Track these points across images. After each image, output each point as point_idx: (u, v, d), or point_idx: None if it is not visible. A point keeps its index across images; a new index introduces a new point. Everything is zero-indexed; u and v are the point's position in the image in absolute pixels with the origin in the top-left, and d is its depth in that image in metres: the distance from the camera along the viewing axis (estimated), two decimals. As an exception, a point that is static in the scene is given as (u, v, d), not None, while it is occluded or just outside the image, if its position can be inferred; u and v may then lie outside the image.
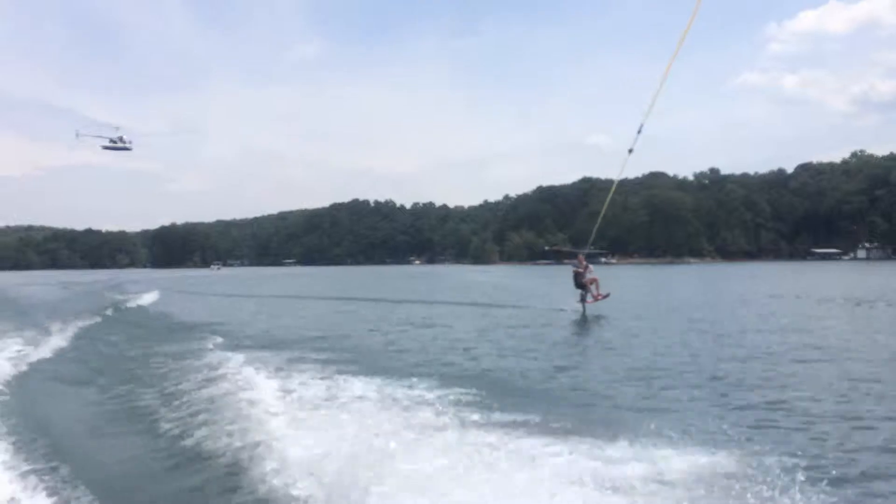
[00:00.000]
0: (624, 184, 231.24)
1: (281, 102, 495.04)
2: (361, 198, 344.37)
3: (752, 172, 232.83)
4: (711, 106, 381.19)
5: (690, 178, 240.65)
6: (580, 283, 27.92)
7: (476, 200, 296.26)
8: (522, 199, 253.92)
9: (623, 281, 63.03)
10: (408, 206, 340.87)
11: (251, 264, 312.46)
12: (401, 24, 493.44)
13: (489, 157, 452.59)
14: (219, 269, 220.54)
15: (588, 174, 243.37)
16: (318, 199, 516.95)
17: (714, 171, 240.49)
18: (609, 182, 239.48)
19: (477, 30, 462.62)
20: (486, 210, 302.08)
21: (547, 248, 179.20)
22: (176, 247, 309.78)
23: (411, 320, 27.92)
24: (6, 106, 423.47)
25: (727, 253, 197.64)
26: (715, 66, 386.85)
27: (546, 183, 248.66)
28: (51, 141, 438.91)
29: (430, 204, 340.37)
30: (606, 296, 28.44)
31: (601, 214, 30.76)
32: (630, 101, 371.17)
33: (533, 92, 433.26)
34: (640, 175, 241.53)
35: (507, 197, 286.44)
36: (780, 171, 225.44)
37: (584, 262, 28.06)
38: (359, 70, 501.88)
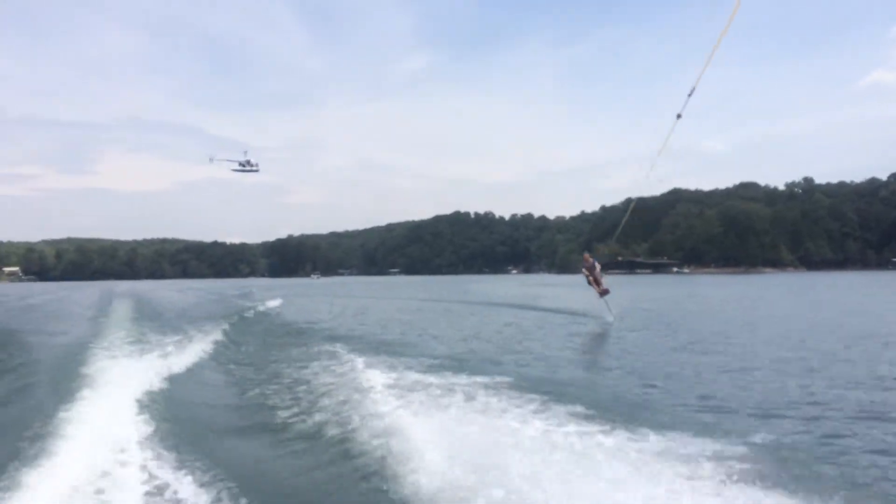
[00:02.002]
0: (713, 195, 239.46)
1: (390, 115, 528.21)
2: (463, 209, 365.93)
3: (848, 181, 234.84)
4: (830, 110, 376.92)
5: (782, 187, 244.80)
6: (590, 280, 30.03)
7: (582, 209, 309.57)
8: (611, 210, 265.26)
9: (701, 290, 70.85)
10: (507, 216, 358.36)
11: (359, 274, 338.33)
12: (506, 35, 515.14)
13: (595, 165, 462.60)
14: (318, 278, 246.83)
15: (697, 181, 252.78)
16: (423, 209, 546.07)
17: (808, 180, 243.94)
18: (699, 192, 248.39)
19: (582, 38, 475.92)
20: (583, 221, 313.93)
21: (620, 258, 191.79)
22: (290, 257, 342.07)
23: (497, 323, 30.52)
24: (144, 128, 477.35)
25: (811, 263, 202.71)
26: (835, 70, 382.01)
27: (675, 186, 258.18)
28: (183, 159, 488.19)
29: (529, 215, 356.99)
30: (606, 291, 30.01)
31: (619, 228, 42.57)
32: (741, 104, 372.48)
33: (640, 98, 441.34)
34: (730, 185, 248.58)
35: (603, 207, 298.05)
36: (873, 180, 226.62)
37: (591, 261, 30.27)
38: (464, 81, 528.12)
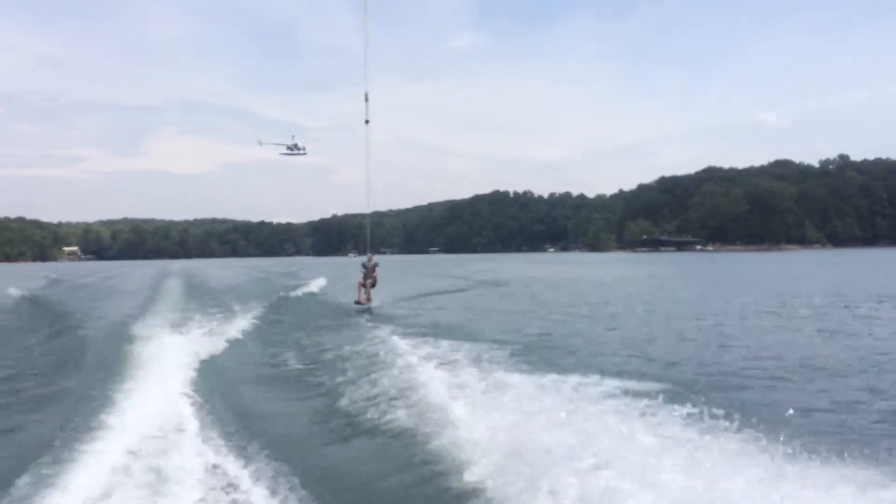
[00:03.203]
0: (745, 174, 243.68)
1: (435, 95, 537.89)
2: (503, 188, 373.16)
3: (884, 157, 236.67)
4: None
5: (816, 164, 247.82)
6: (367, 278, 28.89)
7: (620, 188, 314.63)
8: (645, 188, 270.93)
9: (715, 267, 75.37)
10: (545, 195, 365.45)
11: (400, 252, 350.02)
12: (553, 12, 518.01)
13: (641, 142, 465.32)
14: (354, 256, 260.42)
15: (745, 156, 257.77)
16: (464, 189, 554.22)
17: (843, 157, 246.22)
18: (732, 171, 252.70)
19: (631, 12, 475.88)
20: (620, 199, 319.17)
21: (645, 237, 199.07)
22: (333, 236, 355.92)
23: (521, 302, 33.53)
24: (196, 110, 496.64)
25: (838, 240, 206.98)
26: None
27: (710, 164, 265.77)
28: (233, 141, 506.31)
29: (568, 194, 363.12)
30: (368, 302, 28.47)
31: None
32: (798, 76, 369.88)
33: (690, 72, 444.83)
34: (765, 163, 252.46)
35: (640, 186, 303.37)
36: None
37: (372, 262, 29.34)
38: (511, 60, 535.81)
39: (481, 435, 8.70)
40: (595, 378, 12.45)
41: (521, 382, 11.91)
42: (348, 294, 33.93)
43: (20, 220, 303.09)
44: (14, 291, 44.29)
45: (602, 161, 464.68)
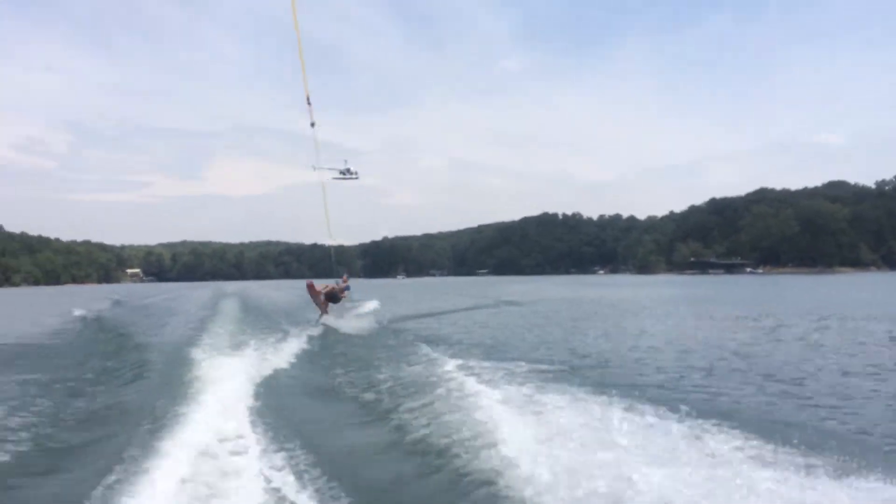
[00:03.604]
0: (797, 195, 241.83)
1: (486, 116, 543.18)
2: (552, 210, 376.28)
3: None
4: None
5: (872, 185, 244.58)
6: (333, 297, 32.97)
7: (671, 209, 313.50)
8: (694, 209, 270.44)
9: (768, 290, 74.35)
10: (595, 217, 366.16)
11: (449, 274, 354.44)
12: (604, 31, 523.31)
13: (695, 161, 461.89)
14: (403, 278, 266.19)
15: (798, 175, 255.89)
16: (514, 210, 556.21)
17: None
18: (784, 192, 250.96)
19: (683, 29, 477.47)
20: (671, 221, 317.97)
21: (693, 259, 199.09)
22: (383, 258, 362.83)
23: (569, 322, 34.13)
24: (252, 134, 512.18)
25: (894, 262, 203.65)
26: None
27: (762, 185, 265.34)
28: (287, 164, 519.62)
29: (618, 215, 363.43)
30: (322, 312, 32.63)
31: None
32: (855, 94, 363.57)
33: (744, 91, 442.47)
34: (819, 184, 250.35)
35: (690, 207, 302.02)
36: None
37: (346, 282, 33.66)
38: (561, 79, 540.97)
39: (532, 457, 8.92)
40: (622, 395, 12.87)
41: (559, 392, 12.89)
42: (399, 315, 37.62)
43: (86, 243, 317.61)
44: (79, 312, 45.93)
45: (653, 181, 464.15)
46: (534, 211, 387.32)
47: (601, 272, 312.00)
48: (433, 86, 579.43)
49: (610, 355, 21.34)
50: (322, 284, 33.38)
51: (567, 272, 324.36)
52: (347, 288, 33.39)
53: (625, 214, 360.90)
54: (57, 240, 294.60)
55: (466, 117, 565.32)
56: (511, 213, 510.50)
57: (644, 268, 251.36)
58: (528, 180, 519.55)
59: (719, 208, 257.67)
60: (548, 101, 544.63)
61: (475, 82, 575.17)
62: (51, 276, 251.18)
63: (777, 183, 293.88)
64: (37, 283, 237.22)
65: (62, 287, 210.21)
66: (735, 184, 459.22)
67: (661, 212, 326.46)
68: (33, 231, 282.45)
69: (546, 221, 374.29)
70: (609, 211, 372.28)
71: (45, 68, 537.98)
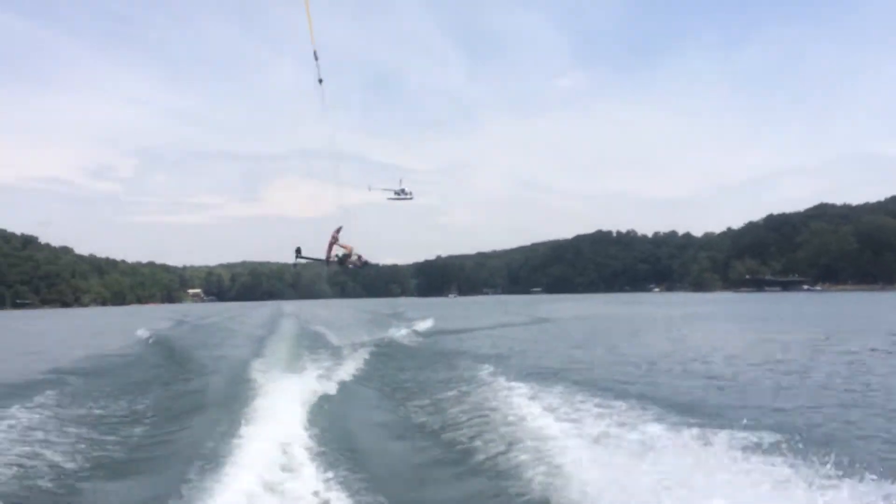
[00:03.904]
0: (859, 210, 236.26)
1: (544, 134, 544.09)
2: (606, 227, 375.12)
3: None
4: None
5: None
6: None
7: (728, 226, 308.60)
8: (752, 226, 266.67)
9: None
10: (650, 234, 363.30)
11: (502, 293, 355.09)
12: (664, 46, 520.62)
13: (759, 178, 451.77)
14: (454, 297, 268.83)
15: (863, 190, 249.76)
16: (568, 228, 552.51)
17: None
18: (846, 207, 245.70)
19: (748, 42, 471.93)
20: (728, 238, 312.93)
21: (748, 276, 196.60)
22: (436, 277, 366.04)
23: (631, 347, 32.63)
24: (312, 156, 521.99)
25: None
26: None
27: (823, 201, 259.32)
28: (345, 184, 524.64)
29: (673, 232, 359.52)
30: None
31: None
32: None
33: (807, 105, 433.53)
34: (881, 199, 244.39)
35: (747, 224, 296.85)
36: None
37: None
38: (621, 96, 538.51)
39: (591, 478, 8.97)
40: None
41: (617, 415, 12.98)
42: (454, 335, 39.28)
43: (150, 264, 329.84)
44: (143, 333, 47.25)
45: (712, 197, 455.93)
46: (588, 229, 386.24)
47: (656, 290, 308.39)
48: (490, 104, 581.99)
49: (657, 373, 22.02)
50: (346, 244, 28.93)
51: (622, 290, 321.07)
52: (366, 264, 29.40)
53: (681, 231, 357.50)
54: (123, 261, 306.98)
55: (522, 136, 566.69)
56: (565, 230, 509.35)
57: (699, 285, 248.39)
58: (583, 198, 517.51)
59: (777, 224, 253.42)
60: (605, 118, 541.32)
61: (532, 100, 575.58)
62: (118, 297, 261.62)
63: (838, 198, 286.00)
64: (104, 303, 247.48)
65: (128, 307, 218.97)
66: (795, 198, 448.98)
67: (718, 228, 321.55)
68: (101, 253, 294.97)
69: (600, 239, 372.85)
70: (665, 228, 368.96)
71: (122, 98, 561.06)
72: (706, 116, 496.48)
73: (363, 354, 27.41)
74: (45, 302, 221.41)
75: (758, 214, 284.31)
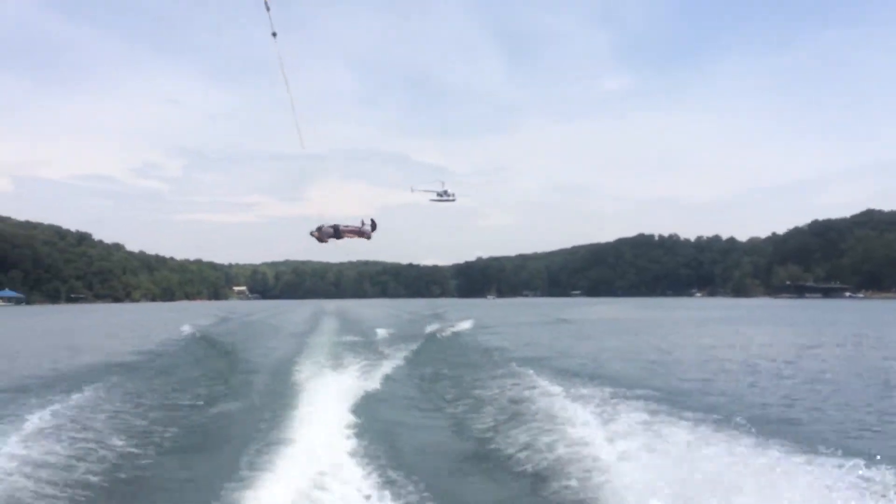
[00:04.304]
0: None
1: (585, 137, 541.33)
2: (647, 231, 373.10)
3: None
4: None
5: None
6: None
7: (773, 231, 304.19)
8: (796, 232, 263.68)
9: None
10: (692, 238, 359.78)
11: (542, 295, 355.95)
12: (707, 49, 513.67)
13: (805, 181, 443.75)
14: (493, 298, 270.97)
15: None
16: (610, 231, 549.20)
17: None
18: (894, 214, 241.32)
19: (791, 45, 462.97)
20: (772, 243, 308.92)
21: (788, 282, 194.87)
22: (476, 279, 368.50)
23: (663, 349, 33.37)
24: (356, 157, 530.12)
25: None
26: None
27: (870, 207, 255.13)
28: (387, 185, 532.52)
29: (717, 237, 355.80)
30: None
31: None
32: None
33: (855, 107, 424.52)
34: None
35: (792, 229, 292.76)
36: None
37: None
38: (664, 99, 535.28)
39: (634, 480, 8.98)
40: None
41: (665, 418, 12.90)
42: (494, 335, 40.52)
43: (198, 262, 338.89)
44: (187, 329, 48.32)
45: (756, 202, 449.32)
46: (629, 232, 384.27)
47: (698, 295, 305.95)
48: (531, 107, 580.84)
49: (701, 375, 22.53)
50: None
51: (663, 294, 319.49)
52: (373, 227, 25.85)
53: (724, 236, 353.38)
54: (172, 258, 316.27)
55: (563, 138, 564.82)
56: (606, 234, 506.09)
57: (740, 291, 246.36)
58: (625, 201, 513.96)
59: (822, 230, 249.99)
60: (648, 120, 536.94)
61: (574, 103, 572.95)
62: (167, 293, 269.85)
63: (886, 204, 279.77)
64: (154, 299, 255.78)
65: (176, 303, 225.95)
66: (842, 204, 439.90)
67: (763, 233, 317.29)
68: (150, 250, 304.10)
69: (642, 242, 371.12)
70: (708, 232, 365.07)
71: (166, 99, 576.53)
72: (752, 119, 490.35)
73: (404, 353, 27.95)
74: (98, 297, 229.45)
75: (803, 220, 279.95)
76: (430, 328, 48.18)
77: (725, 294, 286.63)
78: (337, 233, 25.34)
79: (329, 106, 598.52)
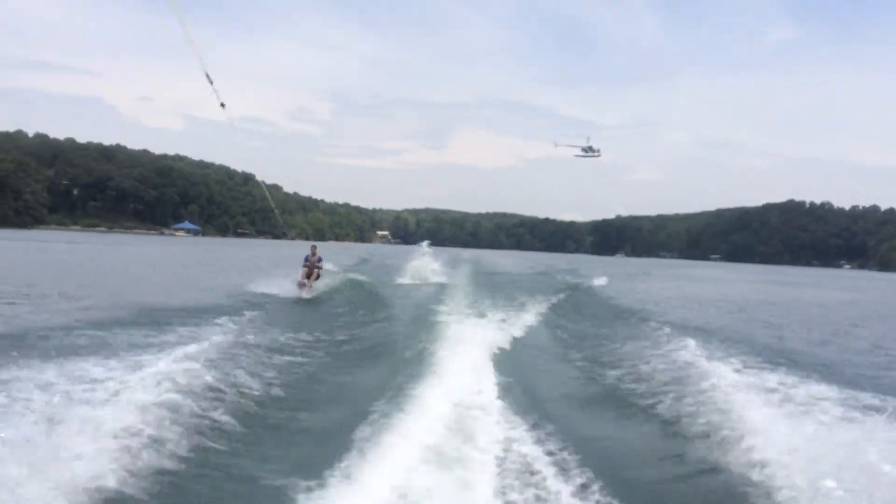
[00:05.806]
0: None
1: (745, 92, 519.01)
2: (798, 197, 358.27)
3: None
4: None
5: None
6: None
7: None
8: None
9: None
10: (847, 207, 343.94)
11: (679, 257, 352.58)
12: None
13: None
14: (623, 257, 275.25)
15: None
16: (758, 194, 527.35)
17: None
18: None
19: None
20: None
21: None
22: (612, 237, 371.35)
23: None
24: (499, 107, 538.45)
25: None
26: None
27: None
28: (531, 137, 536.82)
29: (875, 207, 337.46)
30: (304, 289, 28.42)
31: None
32: None
33: None
34: None
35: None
36: None
37: (316, 256, 29.54)
38: (836, 51, 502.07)
39: (782, 447, 8.38)
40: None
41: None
42: (629, 293, 41.45)
43: (346, 205, 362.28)
44: (331, 267, 43.58)
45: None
46: (779, 196, 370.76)
47: (847, 266, 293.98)
48: (686, 59, 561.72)
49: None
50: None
51: (809, 264, 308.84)
52: (319, 260, 30.19)
53: (883, 206, 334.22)
54: (323, 201, 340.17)
55: (719, 92, 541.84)
56: (754, 198, 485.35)
57: (885, 264, 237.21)
58: (779, 163, 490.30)
59: None
60: (818, 75, 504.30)
61: (734, 56, 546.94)
62: (318, 234, 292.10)
63: None
64: (307, 238, 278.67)
65: (326, 243, 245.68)
66: None
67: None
68: (303, 192, 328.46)
69: (791, 209, 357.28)
70: (867, 201, 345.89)
71: (317, 44, 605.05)
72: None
73: (541, 307, 27.60)
74: (260, 233, 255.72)
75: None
76: (564, 280, 49.90)
77: (872, 268, 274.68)
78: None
79: (475, 55, 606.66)
